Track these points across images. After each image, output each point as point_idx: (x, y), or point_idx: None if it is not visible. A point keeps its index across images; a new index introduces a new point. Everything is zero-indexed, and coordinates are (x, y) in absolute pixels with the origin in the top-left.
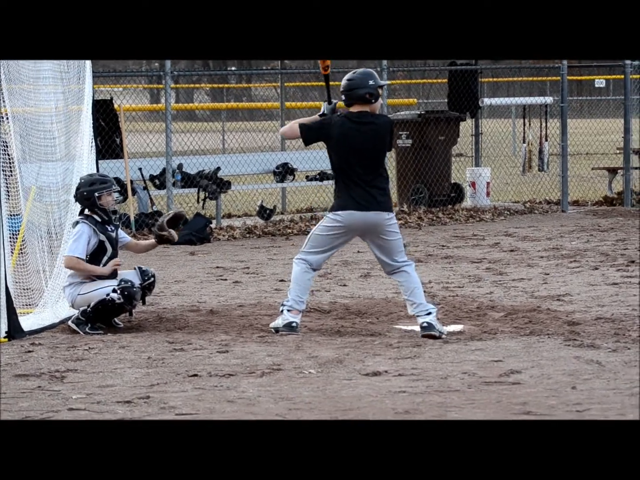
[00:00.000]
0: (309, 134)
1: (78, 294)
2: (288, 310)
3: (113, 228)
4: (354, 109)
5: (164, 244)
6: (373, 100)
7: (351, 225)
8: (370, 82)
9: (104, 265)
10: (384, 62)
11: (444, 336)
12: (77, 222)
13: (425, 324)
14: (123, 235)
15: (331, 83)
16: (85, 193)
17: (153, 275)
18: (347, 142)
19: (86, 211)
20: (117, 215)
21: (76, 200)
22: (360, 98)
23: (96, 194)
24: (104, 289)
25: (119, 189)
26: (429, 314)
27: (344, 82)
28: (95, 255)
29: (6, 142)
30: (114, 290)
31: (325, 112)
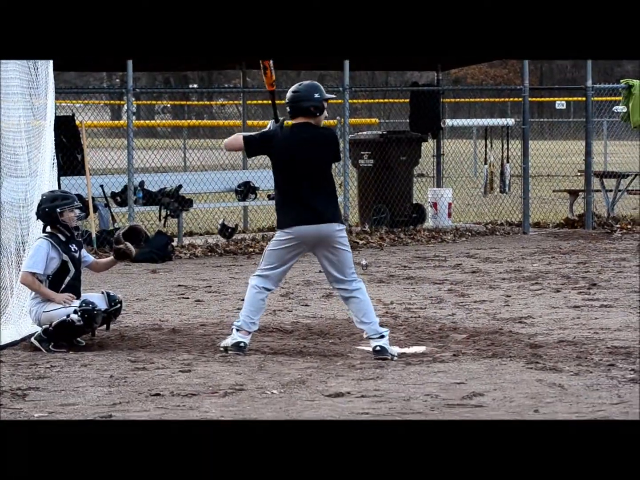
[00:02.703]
0: (252, 145)
1: (43, 311)
2: (237, 330)
3: (76, 248)
4: (298, 121)
5: (122, 259)
6: (318, 113)
7: (302, 238)
8: (316, 95)
9: (66, 285)
10: (346, 81)
11: (395, 359)
12: (39, 239)
13: (378, 348)
14: (86, 254)
15: (277, 102)
16: (47, 209)
17: (120, 302)
18: (291, 154)
19: (48, 229)
20: (80, 232)
21: (38, 217)
22: (305, 110)
23: (58, 210)
24: (68, 309)
25: (81, 205)
26: (382, 337)
27: (289, 93)
28: (58, 276)
29: None
30: (75, 312)
31: (272, 129)
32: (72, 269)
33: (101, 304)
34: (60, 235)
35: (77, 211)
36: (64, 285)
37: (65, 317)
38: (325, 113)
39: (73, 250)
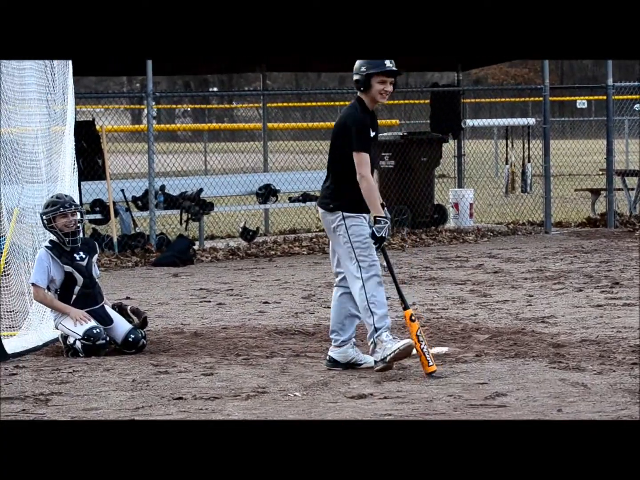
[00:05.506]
0: None
1: (60, 322)
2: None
3: (84, 255)
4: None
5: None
6: (362, 88)
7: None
8: (362, 68)
9: (77, 296)
10: None
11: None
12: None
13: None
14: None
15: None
16: (41, 217)
17: (140, 345)
18: None
19: (53, 237)
20: (89, 238)
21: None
22: (355, 84)
23: (44, 218)
24: (76, 332)
25: (79, 210)
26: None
27: None
28: (66, 288)
29: None
30: (80, 339)
31: None
32: (80, 278)
33: (121, 328)
34: (63, 245)
35: (74, 216)
36: (74, 296)
37: (72, 342)
38: (378, 87)
39: (79, 258)
